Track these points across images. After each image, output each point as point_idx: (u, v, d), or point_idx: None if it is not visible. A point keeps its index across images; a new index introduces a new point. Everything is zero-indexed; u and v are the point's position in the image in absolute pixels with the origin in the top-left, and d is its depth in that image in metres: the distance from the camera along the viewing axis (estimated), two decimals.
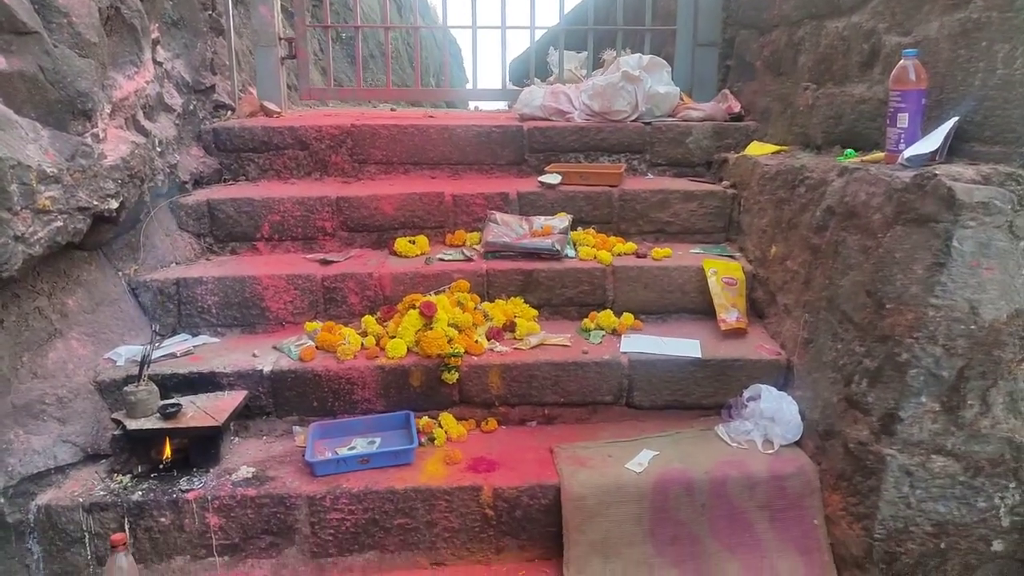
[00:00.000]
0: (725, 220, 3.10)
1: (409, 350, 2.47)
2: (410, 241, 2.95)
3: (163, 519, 2.06)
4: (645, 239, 3.08)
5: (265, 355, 2.49)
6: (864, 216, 2.10)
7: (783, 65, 3.21)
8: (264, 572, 2.10)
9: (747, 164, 3.02)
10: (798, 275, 2.46)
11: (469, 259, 2.85)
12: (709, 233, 3.11)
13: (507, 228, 2.91)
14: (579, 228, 3.04)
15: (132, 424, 2.14)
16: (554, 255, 2.79)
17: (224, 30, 3.66)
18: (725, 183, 3.18)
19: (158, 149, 2.84)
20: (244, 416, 2.39)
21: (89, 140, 2.30)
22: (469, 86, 4.53)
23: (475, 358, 2.45)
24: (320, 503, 2.09)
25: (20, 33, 2.08)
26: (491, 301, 2.73)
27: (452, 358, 2.40)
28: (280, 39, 3.85)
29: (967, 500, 1.86)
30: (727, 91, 3.68)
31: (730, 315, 2.63)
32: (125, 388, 2.19)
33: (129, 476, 2.15)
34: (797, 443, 2.25)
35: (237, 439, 2.38)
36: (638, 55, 3.63)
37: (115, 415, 2.19)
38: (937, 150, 2.06)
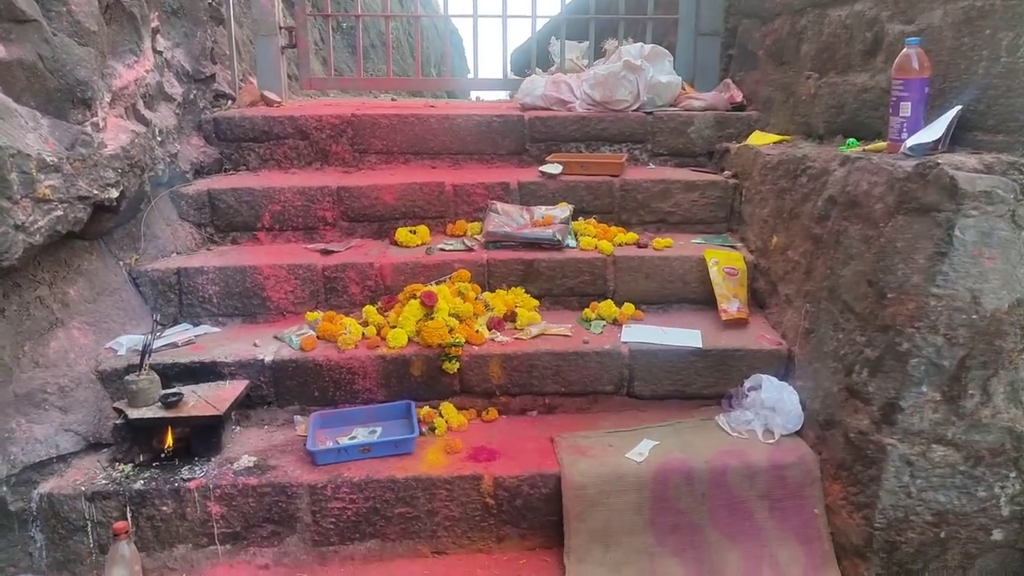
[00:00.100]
0: (727, 210, 3.09)
1: (410, 340, 2.47)
2: (411, 231, 2.95)
3: (165, 508, 2.07)
4: (646, 229, 3.07)
5: (266, 345, 2.49)
6: (866, 205, 2.09)
7: (785, 54, 3.19)
8: (266, 560, 2.11)
9: (749, 154, 3.01)
10: (799, 265, 2.45)
11: (470, 249, 2.85)
12: (710, 223, 3.11)
13: (508, 218, 2.91)
14: (580, 218, 3.03)
15: (134, 413, 2.15)
16: (555, 245, 2.79)
17: (224, 19, 3.65)
18: (727, 173, 3.18)
19: (158, 138, 2.84)
20: (245, 405, 2.40)
21: (89, 129, 2.30)
22: (470, 76, 4.51)
23: (476, 348, 2.45)
24: (321, 492, 2.10)
25: (19, 21, 2.08)
26: (492, 291, 2.74)
27: (453, 348, 2.40)
28: (280, 28, 3.84)
29: (967, 489, 1.86)
30: (729, 80, 3.67)
31: (731, 305, 2.63)
32: (127, 377, 2.19)
33: (131, 465, 2.16)
34: (798, 433, 2.25)
35: (238, 428, 2.38)
36: (640, 44, 3.61)
37: (117, 404, 2.20)
38: (940, 139, 2.05)
